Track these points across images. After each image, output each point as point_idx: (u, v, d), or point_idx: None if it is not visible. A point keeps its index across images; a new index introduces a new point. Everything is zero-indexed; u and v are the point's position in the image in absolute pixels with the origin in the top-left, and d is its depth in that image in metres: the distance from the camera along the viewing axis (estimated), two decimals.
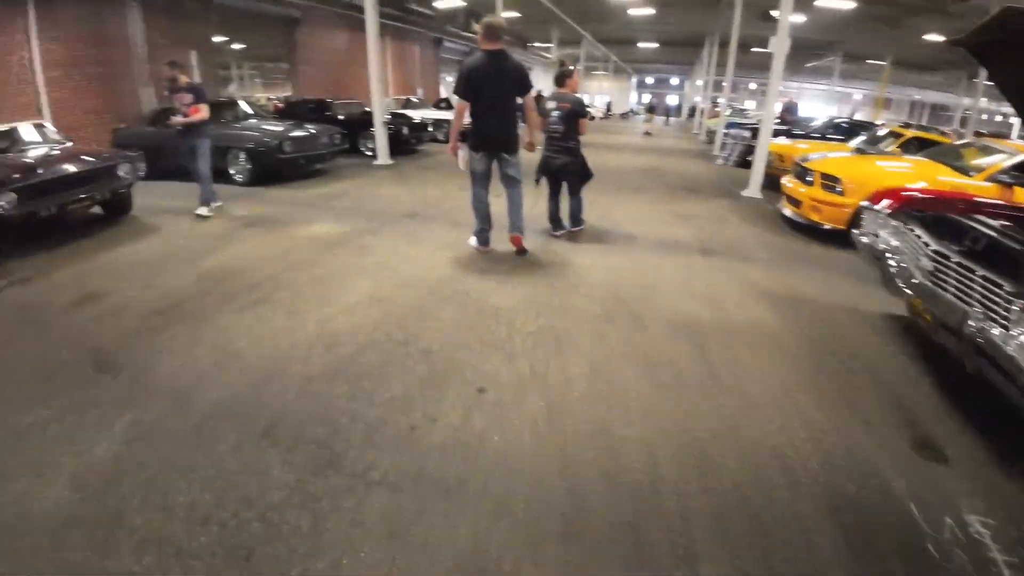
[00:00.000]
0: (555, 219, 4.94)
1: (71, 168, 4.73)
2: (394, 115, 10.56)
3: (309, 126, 7.78)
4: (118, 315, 3.29)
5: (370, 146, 9.44)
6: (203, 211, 5.44)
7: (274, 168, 7.04)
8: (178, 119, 5.40)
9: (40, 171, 4.54)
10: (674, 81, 44.15)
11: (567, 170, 4.67)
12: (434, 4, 17.48)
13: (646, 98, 40.70)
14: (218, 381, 2.47)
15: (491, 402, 2.34)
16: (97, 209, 5.33)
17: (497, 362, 2.68)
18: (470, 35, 20.50)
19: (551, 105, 4.63)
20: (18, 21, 8.48)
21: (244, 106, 8.43)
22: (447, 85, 20.63)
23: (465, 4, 17.90)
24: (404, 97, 14.81)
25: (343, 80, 14.87)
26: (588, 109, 5.33)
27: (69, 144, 5.66)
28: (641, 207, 6.59)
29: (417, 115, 11.48)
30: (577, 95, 4.82)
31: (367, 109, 9.76)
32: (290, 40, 14.17)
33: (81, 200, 4.79)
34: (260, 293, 3.51)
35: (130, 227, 5.26)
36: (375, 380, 2.48)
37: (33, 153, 5.16)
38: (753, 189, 7.48)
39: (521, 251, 4.27)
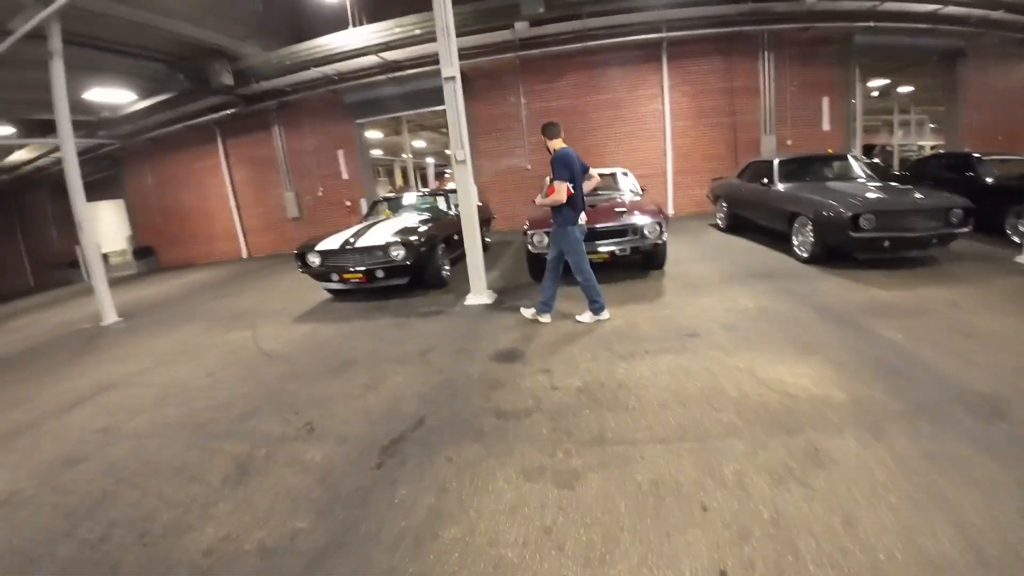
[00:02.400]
0: None
1: (607, 223, 5.09)
2: None
3: (920, 194, 5.31)
4: (507, 391, 3.15)
5: (1022, 229, 5.84)
6: (528, 312, 4.39)
7: (843, 247, 5.24)
8: (537, 199, 4.72)
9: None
10: None
11: None
12: None
13: None
14: None
15: None
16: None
17: None
18: None
19: None
20: (654, 77, 10.33)
21: (853, 163, 6.66)
22: None
23: None
24: None
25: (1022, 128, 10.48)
26: None
27: (637, 197, 6.26)
28: None
29: None
30: None
31: None
32: (949, 77, 10.96)
33: (612, 250, 5.11)
34: (591, 457, 2.33)
35: (620, 291, 5.29)
36: None
37: (598, 200, 5.88)
38: None
39: None
